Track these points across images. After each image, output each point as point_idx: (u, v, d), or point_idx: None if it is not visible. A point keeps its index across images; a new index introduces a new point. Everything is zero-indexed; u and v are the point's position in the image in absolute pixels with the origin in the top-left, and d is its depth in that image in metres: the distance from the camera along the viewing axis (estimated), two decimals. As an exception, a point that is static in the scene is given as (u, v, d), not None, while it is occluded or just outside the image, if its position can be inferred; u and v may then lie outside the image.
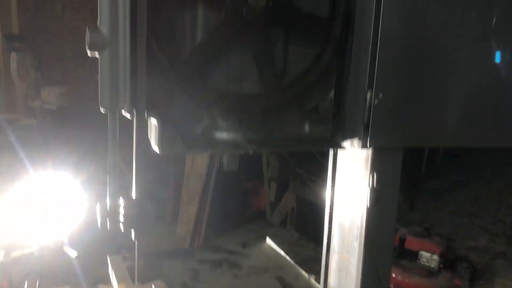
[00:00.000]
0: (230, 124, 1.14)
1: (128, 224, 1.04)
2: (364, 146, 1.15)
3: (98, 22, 0.97)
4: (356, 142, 1.17)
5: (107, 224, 1.05)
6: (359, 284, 1.23)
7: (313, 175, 4.20)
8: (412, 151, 6.55)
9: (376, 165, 1.18)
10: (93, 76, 5.30)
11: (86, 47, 0.98)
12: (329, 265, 1.38)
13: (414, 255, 3.84)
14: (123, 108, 1.00)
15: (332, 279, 1.37)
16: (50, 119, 4.01)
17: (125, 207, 1.03)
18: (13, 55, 4.25)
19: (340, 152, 1.33)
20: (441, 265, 3.78)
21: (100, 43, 0.96)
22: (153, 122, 1.03)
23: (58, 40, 4.94)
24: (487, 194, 6.69)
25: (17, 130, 3.96)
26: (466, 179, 7.30)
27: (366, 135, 1.15)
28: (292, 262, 1.90)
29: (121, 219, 1.05)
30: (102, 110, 1.01)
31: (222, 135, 1.14)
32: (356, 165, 1.24)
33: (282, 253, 1.94)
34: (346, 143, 1.20)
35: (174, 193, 4.94)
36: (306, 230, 4.48)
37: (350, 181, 1.29)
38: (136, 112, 1.00)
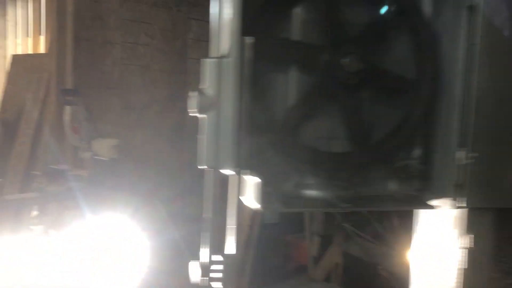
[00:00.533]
0: (319, 182, 1.16)
1: (226, 282, 1.04)
2: (455, 206, 1.14)
3: (202, 85, 1.03)
4: (446, 202, 1.16)
5: (202, 281, 1.06)
6: None
7: (360, 230, 4.12)
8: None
9: (471, 226, 1.16)
10: (139, 129, 5.47)
11: (191, 109, 1.03)
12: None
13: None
14: (224, 167, 1.03)
15: None
16: (100, 170, 4.11)
17: (225, 264, 1.04)
18: (67, 109, 4.45)
19: (423, 212, 1.31)
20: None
21: (207, 105, 1.01)
22: (249, 180, 1.06)
23: (107, 94, 5.16)
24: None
25: (68, 180, 4.08)
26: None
27: (458, 195, 1.14)
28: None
29: (217, 275, 1.06)
30: (201, 167, 1.05)
31: (311, 193, 1.15)
32: (445, 226, 1.22)
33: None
34: (434, 203, 1.19)
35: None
36: (351, 286, 4.35)
37: (436, 243, 1.26)
38: (239, 171, 1.02)
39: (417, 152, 1.21)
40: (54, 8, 6.98)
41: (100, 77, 5.09)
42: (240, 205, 1.06)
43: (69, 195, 3.87)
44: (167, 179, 5.42)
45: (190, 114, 1.03)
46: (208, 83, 1.01)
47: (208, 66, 1.01)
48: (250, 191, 1.05)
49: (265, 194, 1.03)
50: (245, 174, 1.04)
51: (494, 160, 1.13)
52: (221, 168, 1.03)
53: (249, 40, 0.99)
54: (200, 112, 1.01)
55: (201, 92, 1.01)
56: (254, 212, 4.51)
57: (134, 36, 5.39)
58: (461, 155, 1.13)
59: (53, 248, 2.13)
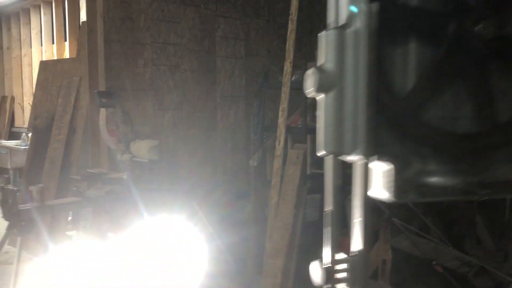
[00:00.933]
0: (443, 168, 1.02)
1: (354, 282, 0.92)
2: None
3: (321, 61, 0.91)
4: None
5: (326, 283, 0.94)
6: None
7: (409, 225, 3.96)
8: (493, 200, 6.15)
9: None
10: (173, 129, 5.40)
11: (308, 89, 0.91)
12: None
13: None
14: (351, 153, 0.90)
15: None
16: (139, 172, 4.04)
17: (350, 264, 0.92)
18: (103, 111, 4.38)
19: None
20: None
21: (327, 83, 0.88)
22: (379, 167, 0.93)
23: (140, 95, 5.09)
24: None
25: (107, 183, 4.01)
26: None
27: None
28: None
29: (342, 275, 0.94)
30: (321, 154, 0.93)
31: (435, 180, 1.02)
32: None
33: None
34: None
35: (254, 244, 4.82)
36: (402, 284, 4.18)
37: None
38: (364, 155, 0.90)
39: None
40: (78, 13, 6.96)
41: (133, 79, 5.02)
42: (366, 195, 0.94)
43: (109, 199, 3.80)
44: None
45: (307, 96, 0.91)
46: (327, 58, 0.89)
47: (326, 38, 0.89)
48: (379, 180, 0.93)
49: (399, 182, 0.90)
50: (375, 160, 0.92)
51: None
52: (346, 155, 0.91)
53: (375, 7, 0.87)
54: (319, 91, 0.89)
55: (319, 69, 0.89)
56: (296, 210, 4.38)
57: (164, 36, 5.31)
58: None
59: (114, 251, 2.05)
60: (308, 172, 4.48)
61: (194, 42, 5.59)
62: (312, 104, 5.80)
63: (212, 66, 5.81)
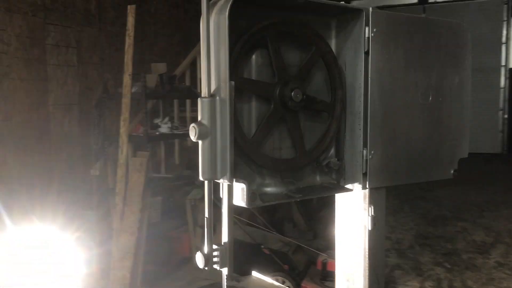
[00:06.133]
0: (274, 181, 1.59)
1: (223, 263, 1.42)
2: (363, 188, 1.68)
3: (199, 118, 1.37)
4: (356, 186, 1.69)
5: (207, 266, 1.41)
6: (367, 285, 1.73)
7: (241, 216, 4.64)
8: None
9: (372, 200, 1.71)
10: (1, 141, 5.16)
11: (192, 137, 1.36)
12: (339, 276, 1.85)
13: (332, 274, 4.46)
14: (220, 178, 1.39)
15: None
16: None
17: (221, 251, 1.41)
18: None
19: (341, 196, 1.82)
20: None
21: (204, 134, 1.36)
22: (237, 185, 1.44)
23: None
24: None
25: None
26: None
27: (364, 180, 1.67)
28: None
29: (216, 260, 1.42)
30: (202, 179, 1.40)
31: (270, 190, 1.58)
32: (356, 202, 1.76)
33: (275, 282, 2.36)
34: (349, 187, 1.71)
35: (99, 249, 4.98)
36: (235, 268, 4.85)
37: (351, 216, 1.79)
38: (229, 179, 1.39)
39: (334, 153, 1.72)
40: None
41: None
42: (230, 206, 1.43)
43: None
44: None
45: (193, 141, 1.37)
46: (203, 116, 1.36)
47: (202, 103, 1.36)
48: (238, 194, 1.44)
49: (250, 194, 1.42)
50: (235, 182, 1.42)
51: (383, 154, 1.69)
52: (218, 179, 1.39)
53: (232, 83, 1.37)
54: (199, 138, 1.36)
55: (199, 123, 1.36)
56: (142, 214, 4.71)
57: (-12, 44, 5.06)
58: (365, 153, 1.66)
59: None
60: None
61: (23, 50, 5.42)
62: (152, 113, 6.14)
63: (43, 75, 5.70)
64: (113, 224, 4.82)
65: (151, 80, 5.01)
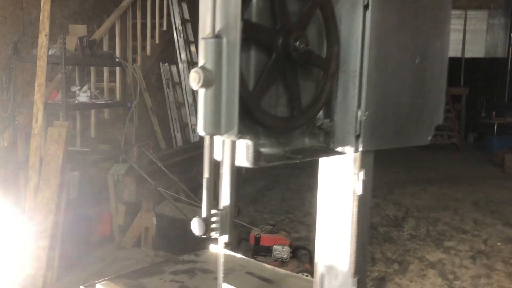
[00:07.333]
0: (270, 142, 1.44)
1: (223, 230, 1.25)
2: (355, 151, 1.59)
3: (201, 63, 1.17)
4: (348, 148, 1.60)
5: (204, 233, 1.23)
6: (353, 258, 1.65)
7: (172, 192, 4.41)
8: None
9: (363, 164, 1.63)
10: None
11: (194, 84, 1.16)
12: (319, 247, 1.76)
13: (269, 250, 4.43)
14: (225, 134, 1.21)
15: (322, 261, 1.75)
16: None
17: (221, 216, 1.23)
18: None
19: (326, 160, 1.72)
20: (291, 255, 4.47)
21: (208, 81, 1.17)
22: (241, 143, 1.27)
23: None
24: (290, 194, 7.89)
25: None
26: (270, 184, 8.45)
27: (357, 143, 1.59)
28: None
29: (215, 226, 1.25)
30: (201, 134, 1.20)
31: (265, 150, 1.43)
32: (345, 167, 1.67)
33: (237, 254, 2.22)
34: (340, 150, 1.61)
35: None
36: (165, 245, 4.63)
37: (338, 181, 1.69)
38: (236, 134, 1.22)
39: (328, 114, 1.61)
40: None
41: None
42: (233, 165, 1.26)
43: None
44: None
45: (193, 88, 1.17)
46: (207, 60, 1.17)
47: (206, 45, 1.17)
48: (242, 152, 1.26)
49: (256, 153, 1.26)
50: (241, 138, 1.24)
51: (376, 116, 1.61)
52: (221, 135, 1.21)
53: (241, 24, 1.18)
54: (204, 86, 1.16)
55: (203, 68, 1.16)
56: (60, 190, 4.27)
57: None
58: (359, 113, 1.57)
59: None
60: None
61: None
62: (73, 79, 5.58)
63: None
64: (26, 201, 4.32)
65: (71, 42, 4.51)
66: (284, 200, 7.62)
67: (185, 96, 7.93)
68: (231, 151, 1.25)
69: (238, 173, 1.42)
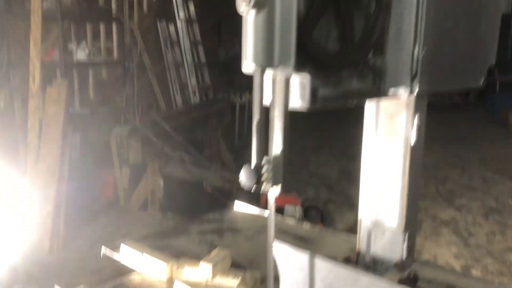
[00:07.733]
0: (320, 81, 1.25)
1: (276, 179, 1.07)
2: (411, 92, 1.41)
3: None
4: (403, 90, 1.41)
5: (256, 183, 1.06)
6: (404, 213, 1.49)
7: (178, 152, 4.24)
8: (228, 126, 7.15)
9: (418, 107, 1.45)
10: None
11: (244, 4, 0.96)
12: (364, 203, 1.60)
13: (280, 210, 4.32)
14: (276, 66, 1.02)
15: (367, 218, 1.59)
16: None
17: (274, 164, 1.06)
18: None
19: (373, 104, 1.53)
20: (302, 214, 4.36)
21: (261, 1, 0.97)
22: (295, 80, 1.08)
23: None
24: (294, 155, 7.76)
25: None
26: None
27: (413, 84, 1.40)
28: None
29: (268, 176, 1.07)
30: (249, 68, 1.01)
31: (322, 91, 1.24)
32: (397, 111, 1.48)
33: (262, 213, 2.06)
34: (393, 92, 1.43)
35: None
36: (173, 207, 4.50)
37: (388, 128, 1.51)
38: (293, 66, 1.03)
39: (379, 51, 1.41)
40: None
41: None
42: (286, 106, 1.07)
43: None
44: None
45: (240, 10, 0.97)
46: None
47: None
48: (297, 91, 1.07)
49: (312, 92, 1.07)
50: (299, 71, 1.05)
51: (432, 54, 1.42)
52: (275, 67, 1.02)
53: None
54: (255, 6, 0.96)
55: (254, -13, 0.96)
56: (62, 152, 4.08)
57: None
58: (416, 50, 1.38)
59: None
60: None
61: None
62: (69, 36, 5.28)
63: None
64: (27, 167, 4.13)
65: (65, -4, 4.22)
66: (289, 162, 7.49)
67: (184, 56, 7.64)
68: (284, 91, 1.06)
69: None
